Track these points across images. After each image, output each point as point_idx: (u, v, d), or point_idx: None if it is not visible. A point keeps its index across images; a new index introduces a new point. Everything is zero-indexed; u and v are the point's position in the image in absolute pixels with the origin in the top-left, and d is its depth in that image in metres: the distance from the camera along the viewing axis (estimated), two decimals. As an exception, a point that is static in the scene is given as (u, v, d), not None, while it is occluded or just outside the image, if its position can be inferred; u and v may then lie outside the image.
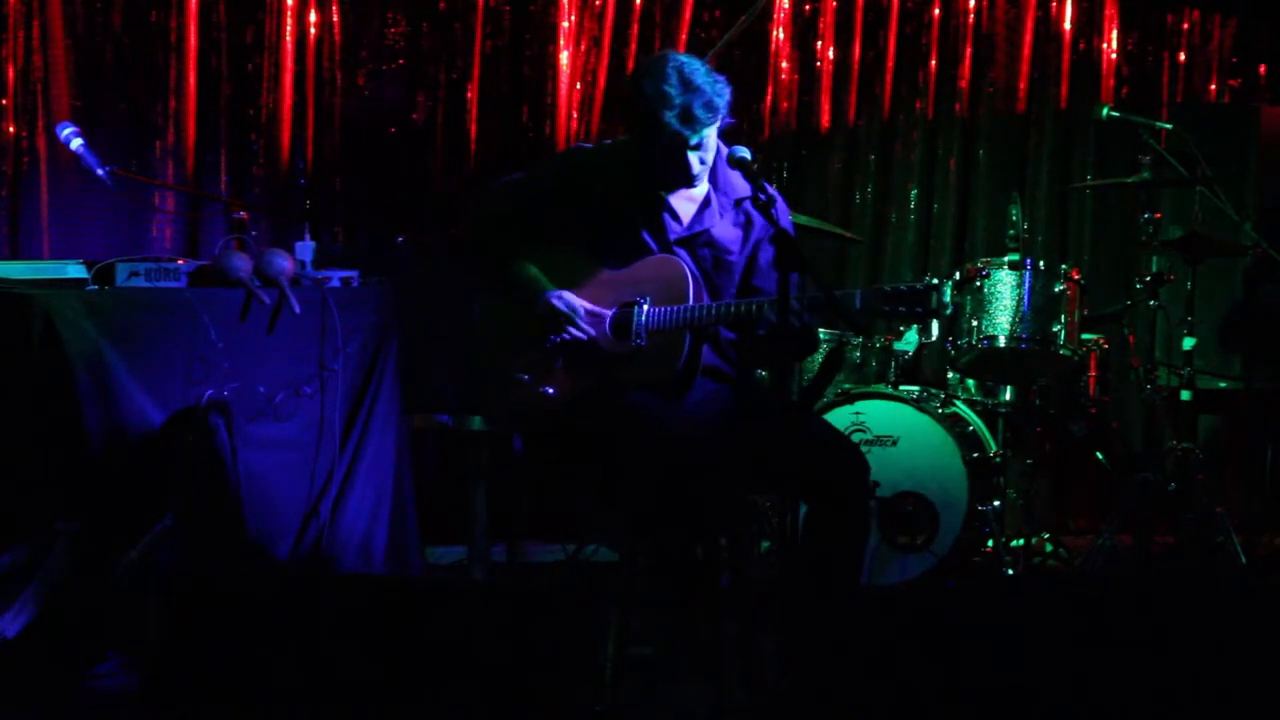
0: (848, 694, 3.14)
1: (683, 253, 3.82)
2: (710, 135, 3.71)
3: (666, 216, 3.83)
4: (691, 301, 3.71)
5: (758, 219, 3.79)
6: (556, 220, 3.89)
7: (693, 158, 3.72)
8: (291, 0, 6.02)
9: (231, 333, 4.28)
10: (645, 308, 3.74)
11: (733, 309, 3.69)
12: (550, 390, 3.81)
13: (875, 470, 3.89)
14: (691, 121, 3.64)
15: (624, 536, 3.89)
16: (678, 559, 3.64)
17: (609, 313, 3.80)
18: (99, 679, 3.85)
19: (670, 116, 3.63)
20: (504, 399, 3.90)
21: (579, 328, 3.78)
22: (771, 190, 3.65)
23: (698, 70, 3.67)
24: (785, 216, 3.92)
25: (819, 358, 5.34)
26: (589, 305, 3.81)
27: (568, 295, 3.80)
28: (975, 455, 5.21)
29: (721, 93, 3.67)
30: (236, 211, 4.91)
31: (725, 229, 3.87)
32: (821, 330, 5.22)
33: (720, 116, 3.69)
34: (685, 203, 3.86)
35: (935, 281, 3.53)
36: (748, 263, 3.89)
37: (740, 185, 3.82)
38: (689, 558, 3.65)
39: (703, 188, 3.85)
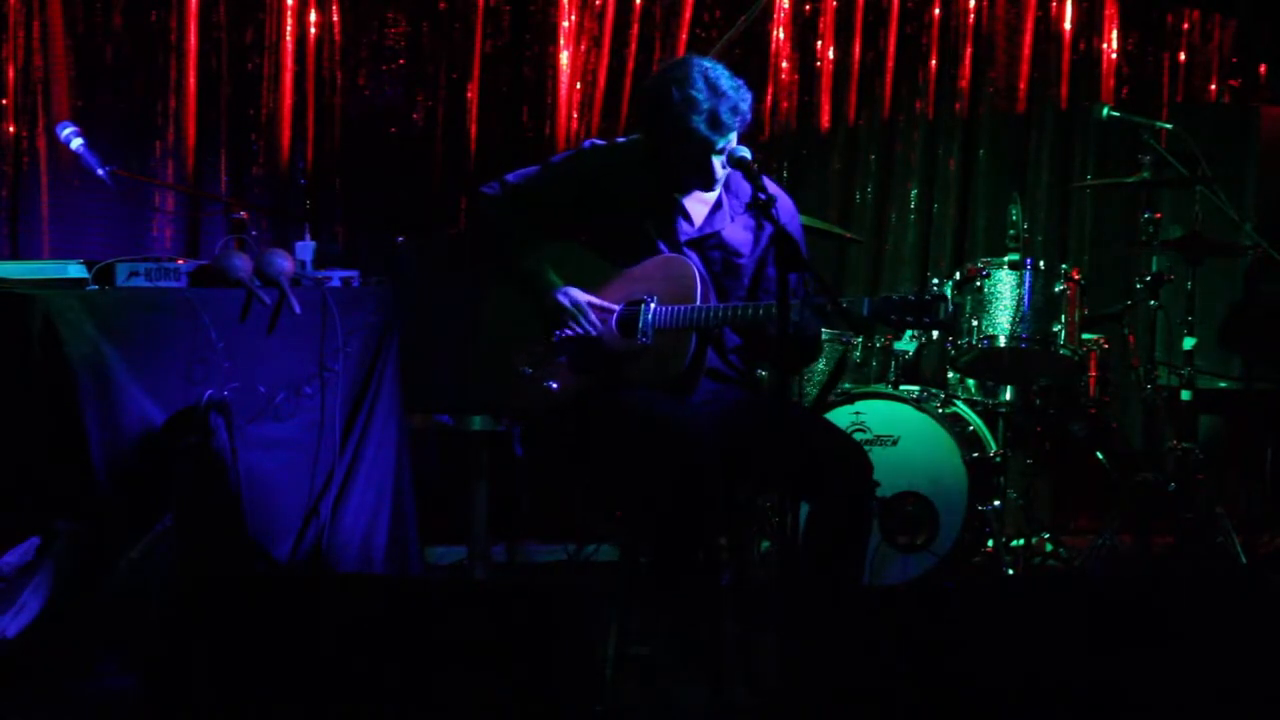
0: (848, 694, 3.14)
1: (693, 254, 3.82)
2: (734, 140, 3.70)
3: (678, 217, 3.83)
4: (699, 302, 3.71)
5: (768, 222, 3.78)
6: (567, 215, 3.89)
7: (716, 162, 3.71)
8: (291, 0, 6.01)
9: (232, 333, 4.28)
10: (652, 306, 3.74)
11: (739, 311, 3.68)
12: (553, 384, 3.80)
13: (875, 470, 3.89)
14: (719, 126, 3.64)
15: (623, 535, 3.89)
16: (678, 558, 3.64)
17: (616, 309, 3.80)
18: (99, 679, 3.85)
19: (699, 122, 3.62)
20: (506, 390, 3.89)
21: (585, 324, 3.77)
22: (773, 189, 3.64)
23: (722, 74, 3.66)
24: (792, 217, 3.91)
25: (822, 365, 5.34)
26: (596, 301, 3.80)
27: (574, 291, 3.80)
28: (975, 455, 5.21)
29: (745, 97, 3.67)
30: (236, 211, 4.91)
31: (736, 232, 3.87)
32: (823, 330, 5.22)
33: (745, 121, 3.68)
34: (698, 205, 3.85)
35: (944, 293, 3.52)
36: (757, 266, 3.88)
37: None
38: (689, 557, 3.64)
39: (716, 190, 3.84)
